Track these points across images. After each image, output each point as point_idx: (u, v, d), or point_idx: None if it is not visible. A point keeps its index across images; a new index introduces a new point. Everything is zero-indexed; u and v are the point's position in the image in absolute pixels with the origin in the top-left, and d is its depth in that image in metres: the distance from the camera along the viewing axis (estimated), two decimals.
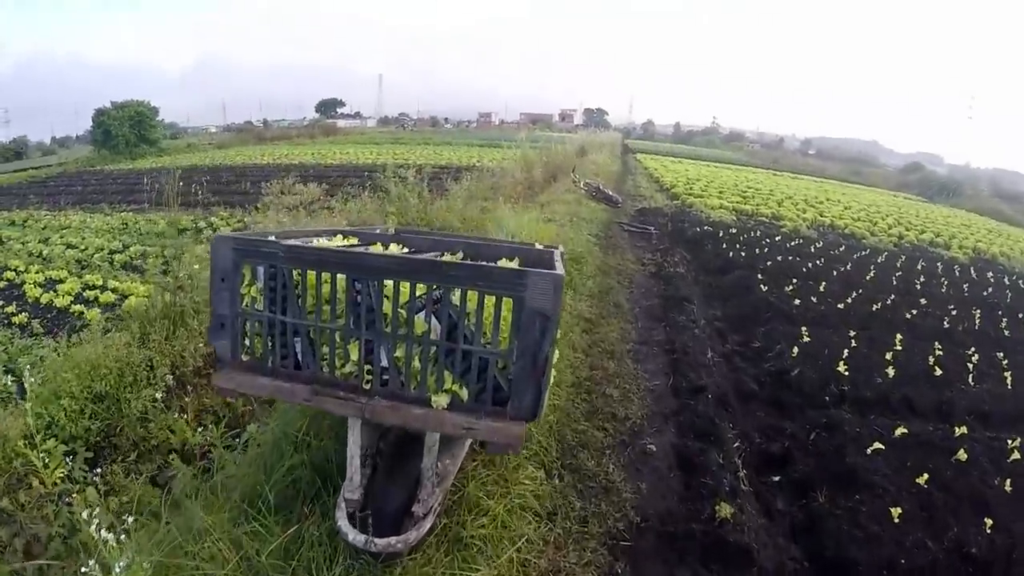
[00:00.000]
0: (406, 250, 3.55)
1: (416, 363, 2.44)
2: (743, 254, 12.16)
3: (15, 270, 14.09)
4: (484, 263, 2.41)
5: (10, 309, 11.13)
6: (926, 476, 4.37)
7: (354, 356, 2.54)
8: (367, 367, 2.53)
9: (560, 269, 2.62)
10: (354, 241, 3.65)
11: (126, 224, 18.32)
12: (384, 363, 2.50)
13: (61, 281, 12.67)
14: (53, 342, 7.25)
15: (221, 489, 3.57)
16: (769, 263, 11.50)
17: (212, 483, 3.68)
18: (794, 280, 10.05)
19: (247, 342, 2.79)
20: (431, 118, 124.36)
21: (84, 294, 11.68)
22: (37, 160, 60.82)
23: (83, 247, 16.05)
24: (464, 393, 2.42)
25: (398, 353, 2.47)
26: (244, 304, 2.73)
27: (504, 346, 2.38)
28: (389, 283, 2.46)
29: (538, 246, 4.17)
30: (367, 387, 2.53)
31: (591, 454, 4.50)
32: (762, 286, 9.46)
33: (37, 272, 13.60)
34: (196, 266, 6.81)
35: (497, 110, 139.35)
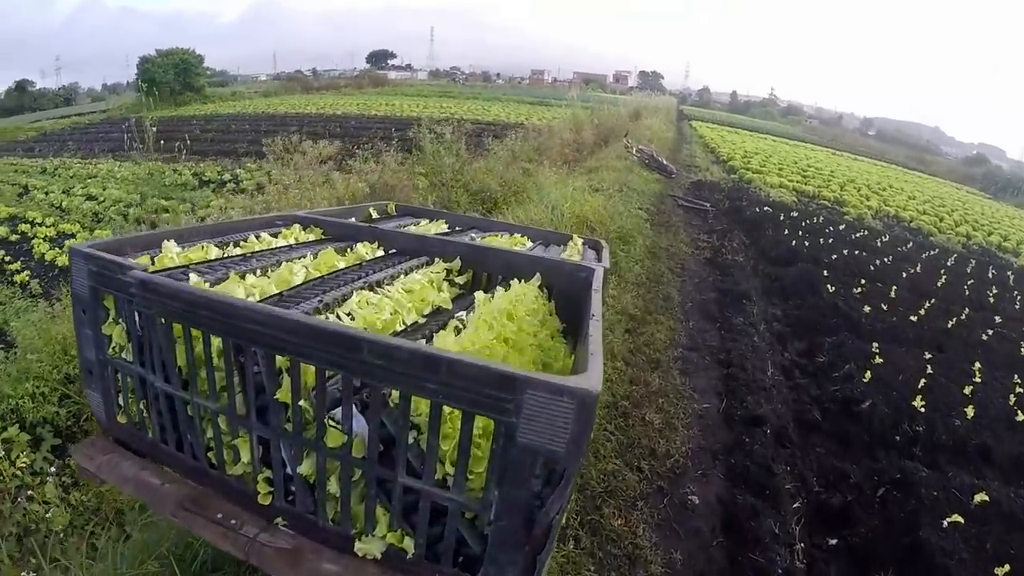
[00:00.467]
0: (380, 252, 2.62)
1: (333, 486, 1.50)
2: (806, 243, 10.99)
3: (31, 222, 13.59)
4: (433, 352, 1.26)
5: (15, 266, 10.64)
6: (1007, 567, 3.49)
7: (245, 456, 1.61)
8: (266, 473, 1.60)
9: (595, 351, 1.40)
10: (309, 237, 2.73)
11: (152, 174, 17.74)
12: (290, 470, 1.56)
13: (72, 235, 12.10)
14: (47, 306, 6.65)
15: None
16: (834, 256, 10.35)
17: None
18: (862, 281, 8.99)
19: (121, 400, 1.91)
20: (483, 73, 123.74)
21: None
22: (86, 107, 61.57)
23: (102, 199, 15.40)
24: (408, 544, 1.43)
25: (304, 469, 1.52)
26: (111, 349, 1.84)
27: (477, 485, 1.34)
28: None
29: (575, 247, 3.16)
30: (266, 501, 1.60)
31: (618, 506, 3.63)
32: (828, 285, 8.38)
33: (51, 226, 13.08)
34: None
35: (550, 68, 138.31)
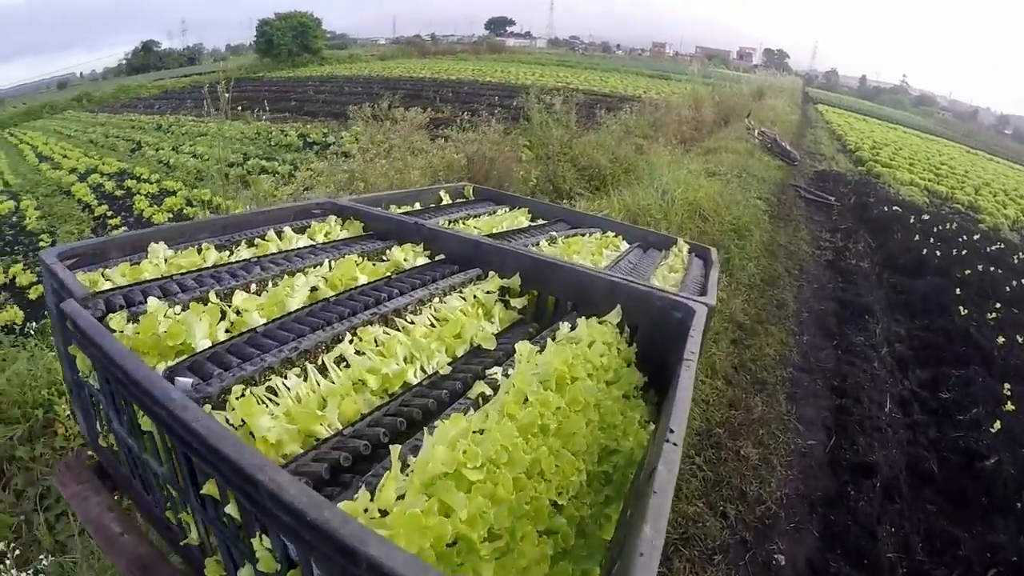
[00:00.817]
0: (422, 259, 2.11)
1: None
2: (937, 252, 9.73)
3: (138, 178, 14.01)
4: (344, 536, 0.77)
5: (115, 221, 10.97)
6: None
7: (193, 533, 1.24)
8: (216, 556, 1.21)
9: (649, 550, 0.78)
10: (343, 233, 2.29)
11: (259, 133, 18.04)
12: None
13: (173, 193, 12.34)
14: None
15: None
16: (967, 272, 9.01)
17: None
18: (997, 304, 7.80)
19: (99, 425, 1.61)
20: (603, 43, 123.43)
21: (184, 211, 11.20)
22: (207, 66, 64.49)
23: (206, 157, 15.66)
24: None
25: None
26: (82, 371, 1.53)
27: None
28: None
29: (679, 256, 2.59)
30: None
31: (692, 559, 3.13)
32: (960, 306, 7.31)
33: (155, 182, 13.43)
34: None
35: (672, 41, 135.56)
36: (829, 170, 16.64)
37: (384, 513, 0.92)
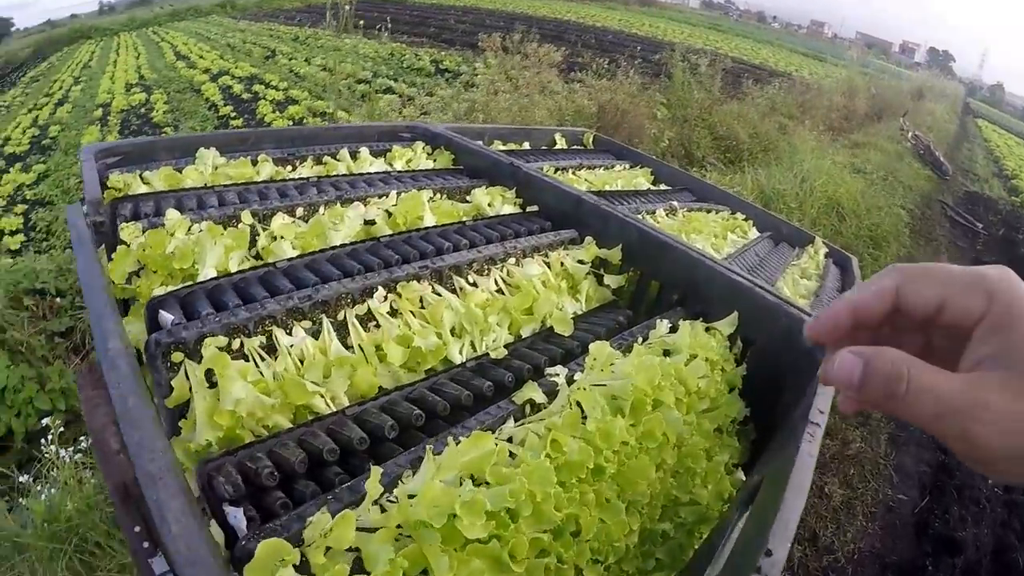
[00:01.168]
0: (510, 207, 1.77)
1: None
2: None
3: (266, 83, 14.33)
4: None
5: (237, 123, 11.23)
6: None
7: None
8: None
9: None
10: (427, 163, 2.01)
11: (392, 54, 17.96)
12: None
13: (296, 102, 12.47)
14: None
15: None
16: None
17: None
18: None
19: None
20: (758, 12, 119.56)
21: (305, 120, 11.33)
22: None
23: (335, 71, 15.66)
24: None
25: None
26: None
27: None
28: None
29: (814, 259, 2.25)
30: None
31: None
32: None
33: (282, 90, 13.74)
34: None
35: (832, 22, 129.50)
36: (981, 193, 15.10)
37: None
